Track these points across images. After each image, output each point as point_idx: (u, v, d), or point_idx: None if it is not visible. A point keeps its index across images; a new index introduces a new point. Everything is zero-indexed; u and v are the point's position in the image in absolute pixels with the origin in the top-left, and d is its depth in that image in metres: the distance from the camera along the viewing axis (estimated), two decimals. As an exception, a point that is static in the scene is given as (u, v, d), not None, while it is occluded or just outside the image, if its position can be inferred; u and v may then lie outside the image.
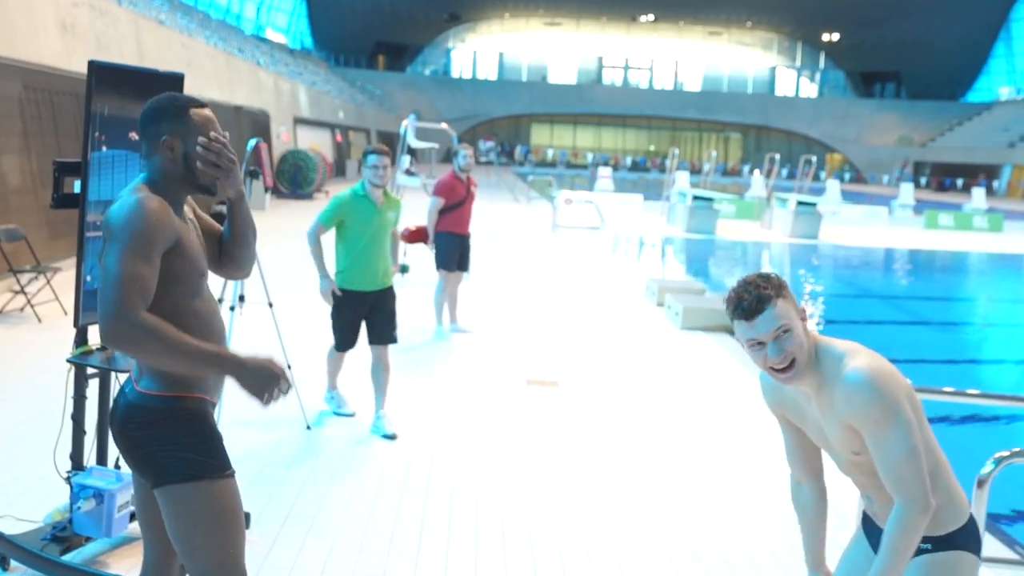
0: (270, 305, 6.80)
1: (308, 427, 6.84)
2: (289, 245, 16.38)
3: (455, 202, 10.51)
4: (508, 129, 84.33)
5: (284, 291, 11.64)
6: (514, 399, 8.21)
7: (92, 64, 4.02)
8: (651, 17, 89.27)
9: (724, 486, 6.34)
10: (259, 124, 27.69)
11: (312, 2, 77.94)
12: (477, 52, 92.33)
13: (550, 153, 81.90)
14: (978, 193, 37.04)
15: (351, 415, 7.22)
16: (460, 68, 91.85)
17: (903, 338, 14.56)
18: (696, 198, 27.33)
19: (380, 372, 6.91)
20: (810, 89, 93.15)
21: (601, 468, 6.54)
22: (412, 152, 14.09)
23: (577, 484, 6.18)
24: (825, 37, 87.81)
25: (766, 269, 21.37)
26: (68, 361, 4.40)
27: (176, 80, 4.43)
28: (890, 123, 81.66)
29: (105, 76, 4.10)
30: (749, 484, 6.41)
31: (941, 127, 79.39)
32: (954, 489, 2.97)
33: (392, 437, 6.78)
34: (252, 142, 6.58)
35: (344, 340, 6.98)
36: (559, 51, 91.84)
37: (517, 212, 29.21)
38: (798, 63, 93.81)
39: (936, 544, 2.96)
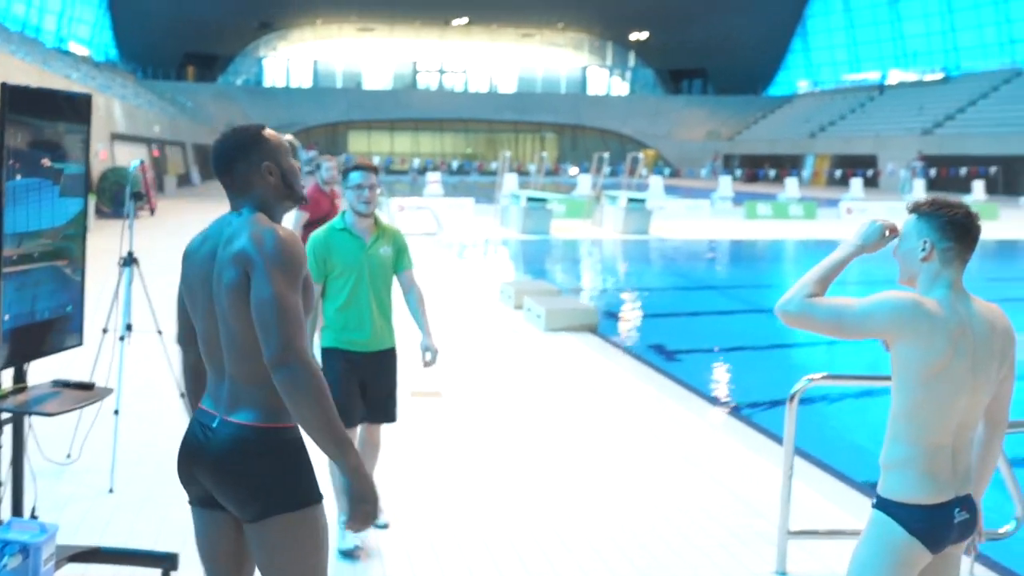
0: (159, 332, 6.51)
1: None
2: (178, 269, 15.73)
3: (319, 215, 10.26)
4: (325, 137, 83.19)
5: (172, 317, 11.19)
6: (402, 412, 8.11)
7: (6, 86, 3.75)
8: (464, 20, 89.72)
9: (619, 480, 6.43)
10: (75, 141, 26.40)
11: (116, 12, 75.06)
12: (290, 60, 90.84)
13: (376, 160, 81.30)
14: (791, 183, 38.68)
15: (384, 526, 5.59)
16: (273, 77, 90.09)
17: (740, 326, 15.11)
18: (530, 199, 27.62)
19: (368, 452, 5.57)
20: (621, 87, 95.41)
21: (502, 473, 6.54)
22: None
23: (484, 489, 6.17)
24: (634, 36, 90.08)
25: (596, 265, 21.58)
26: (-17, 407, 4.11)
27: (84, 100, 4.20)
28: (699, 118, 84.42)
29: (17, 99, 3.84)
30: (642, 476, 6.52)
31: (747, 121, 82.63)
32: (917, 459, 3.03)
33: (384, 526, 5.56)
34: (135, 163, 6.27)
35: (339, 409, 5.27)
36: (373, 57, 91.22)
37: (351, 221, 28.83)
38: (609, 62, 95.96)
39: (877, 500, 3.12)
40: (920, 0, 74.35)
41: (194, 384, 3.21)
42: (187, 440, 3.04)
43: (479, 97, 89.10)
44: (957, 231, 3.06)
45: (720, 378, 10.99)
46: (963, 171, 45.59)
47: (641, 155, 38.12)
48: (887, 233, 3.18)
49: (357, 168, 5.30)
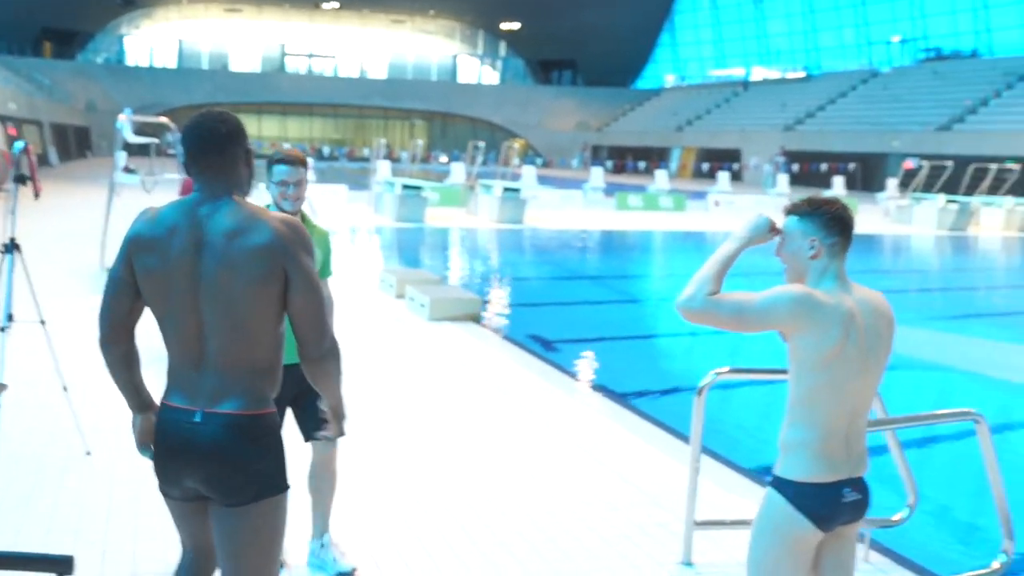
0: (42, 323, 6.20)
1: (88, 452, 6.30)
2: (57, 255, 15.03)
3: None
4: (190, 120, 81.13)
5: (57, 306, 10.70)
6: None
7: None
8: (335, 4, 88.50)
9: (519, 472, 6.41)
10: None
11: (-34, -17, 71.68)
12: (154, 39, 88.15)
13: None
14: (661, 175, 39.28)
15: (348, 571, 4.86)
16: (136, 56, 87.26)
17: (618, 316, 15.29)
18: (405, 187, 27.41)
19: (323, 480, 4.91)
20: (492, 76, 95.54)
21: (399, 468, 6.45)
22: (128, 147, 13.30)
23: (382, 485, 6.07)
24: (505, 26, 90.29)
25: (473, 254, 21.54)
26: None
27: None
28: (568, 109, 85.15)
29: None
30: (540, 468, 6.51)
31: (615, 113, 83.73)
32: (812, 441, 3.16)
33: (349, 574, 4.85)
34: (20, 144, 5.91)
35: None
36: (241, 38, 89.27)
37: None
38: (480, 51, 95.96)
39: (772, 479, 3.28)
40: (783, 0, 76.57)
41: (128, 373, 3.12)
42: (168, 441, 2.97)
43: (349, 82, 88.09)
44: (840, 226, 3.28)
45: (604, 367, 11.06)
46: (824, 167, 47.07)
47: (516, 144, 38.19)
48: (772, 228, 3.34)
49: (282, 161, 4.55)
